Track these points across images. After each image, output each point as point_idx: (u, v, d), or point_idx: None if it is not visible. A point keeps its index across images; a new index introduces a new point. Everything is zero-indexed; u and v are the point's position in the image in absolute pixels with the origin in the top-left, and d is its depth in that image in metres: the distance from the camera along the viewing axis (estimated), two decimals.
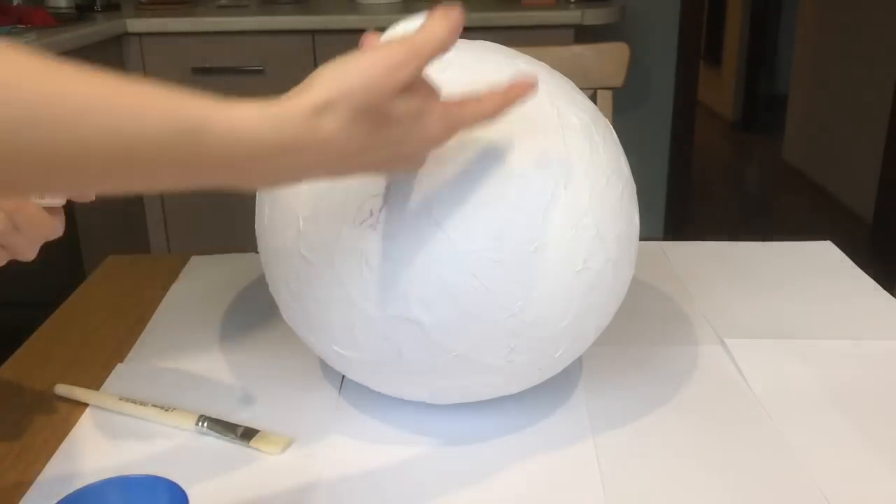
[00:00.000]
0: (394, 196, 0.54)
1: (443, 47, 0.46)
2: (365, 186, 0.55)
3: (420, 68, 0.46)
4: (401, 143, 0.47)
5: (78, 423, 0.66)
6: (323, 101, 0.43)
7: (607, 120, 0.76)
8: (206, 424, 0.64)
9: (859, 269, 0.93)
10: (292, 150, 0.43)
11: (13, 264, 0.55)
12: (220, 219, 2.48)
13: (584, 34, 2.38)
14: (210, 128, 0.40)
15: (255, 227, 0.65)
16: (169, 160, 0.40)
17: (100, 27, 2.16)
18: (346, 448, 0.63)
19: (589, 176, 0.58)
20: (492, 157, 0.55)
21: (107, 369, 0.74)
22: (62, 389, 0.70)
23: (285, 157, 0.43)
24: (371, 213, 0.55)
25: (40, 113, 0.36)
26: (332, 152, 0.44)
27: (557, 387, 0.70)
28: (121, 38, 2.31)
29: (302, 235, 0.57)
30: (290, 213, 0.58)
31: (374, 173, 0.54)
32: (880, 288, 0.88)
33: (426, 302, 0.55)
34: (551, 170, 0.56)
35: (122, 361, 0.75)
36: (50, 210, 0.53)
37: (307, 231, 0.57)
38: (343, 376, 0.72)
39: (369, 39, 0.51)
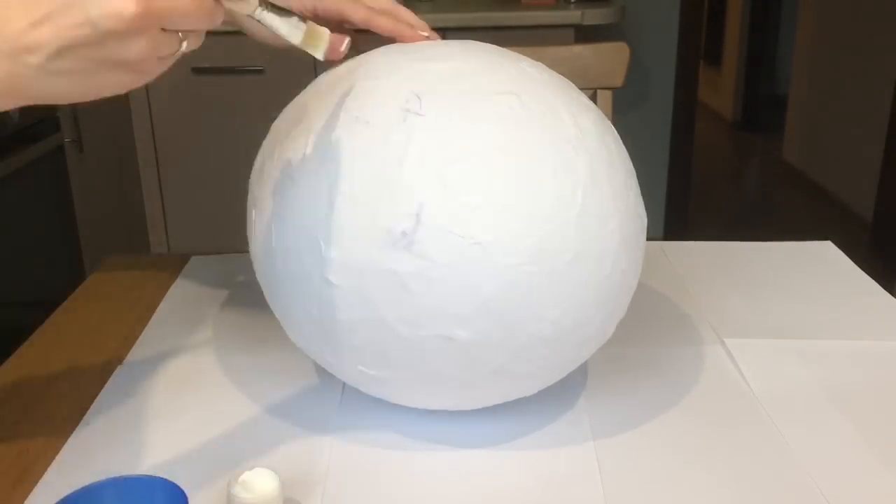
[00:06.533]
0: (427, 216, 0.53)
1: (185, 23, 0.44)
2: (394, 208, 0.54)
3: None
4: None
5: (78, 423, 0.66)
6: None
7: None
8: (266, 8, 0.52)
9: (859, 269, 0.93)
10: None
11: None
12: (220, 219, 2.48)
13: (584, 34, 2.39)
14: None
15: (251, 250, 0.64)
16: None
17: None
18: (347, 450, 0.63)
19: (610, 180, 0.57)
20: (521, 167, 0.54)
21: (107, 369, 0.74)
22: None
23: None
24: (404, 235, 0.53)
25: None
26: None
27: (560, 389, 0.70)
28: None
29: (325, 259, 0.56)
30: (306, 235, 0.56)
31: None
32: (880, 288, 0.88)
33: (464, 319, 0.54)
34: (579, 177, 0.56)
35: (121, 362, 0.75)
36: None
37: (331, 255, 0.55)
38: None
39: None
